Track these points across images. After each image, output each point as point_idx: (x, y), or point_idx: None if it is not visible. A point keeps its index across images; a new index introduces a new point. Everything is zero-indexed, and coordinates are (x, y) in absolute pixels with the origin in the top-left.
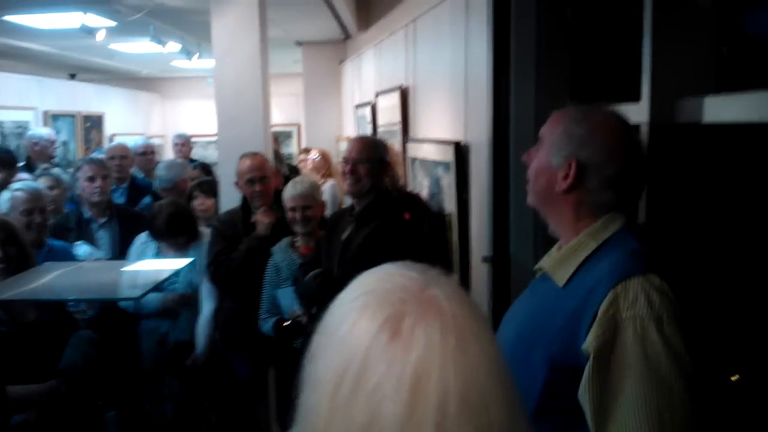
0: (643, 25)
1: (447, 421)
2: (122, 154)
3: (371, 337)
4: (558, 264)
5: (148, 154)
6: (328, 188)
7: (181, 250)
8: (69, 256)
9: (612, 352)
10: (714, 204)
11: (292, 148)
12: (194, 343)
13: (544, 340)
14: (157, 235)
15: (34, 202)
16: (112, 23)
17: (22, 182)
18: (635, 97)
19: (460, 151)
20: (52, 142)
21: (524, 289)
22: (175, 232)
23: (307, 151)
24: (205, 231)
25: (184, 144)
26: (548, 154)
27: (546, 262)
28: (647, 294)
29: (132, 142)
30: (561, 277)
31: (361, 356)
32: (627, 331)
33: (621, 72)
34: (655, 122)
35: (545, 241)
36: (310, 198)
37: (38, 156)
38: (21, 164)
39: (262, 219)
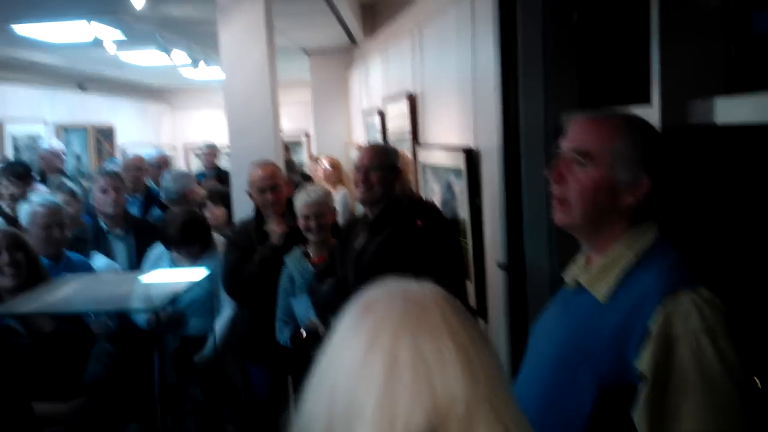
0: (650, 26)
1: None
2: (138, 166)
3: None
4: (596, 278)
5: (162, 165)
6: (339, 197)
7: (194, 259)
8: (87, 269)
9: (668, 370)
10: (727, 204)
11: (302, 156)
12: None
13: (591, 359)
14: (171, 243)
15: (52, 217)
16: (119, 33)
17: (41, 196)
18: (645, 100)
19: (471, 157)
20: (58, 154)
21: (543, 295)
22: (188, 241)
23: (316, 159)
24: (219, 240)
25: (210, 153)
26: (608, 169)
27: (580, 276)
28: (699, 308)
29: (146, 153)
30: (601, 292)
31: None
32: (682, 348)
33: (630, 75)
34: (666, 124)
35: (560, 246)
36: (324, 206)
37: (49, 168)
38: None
39: (275, 228)
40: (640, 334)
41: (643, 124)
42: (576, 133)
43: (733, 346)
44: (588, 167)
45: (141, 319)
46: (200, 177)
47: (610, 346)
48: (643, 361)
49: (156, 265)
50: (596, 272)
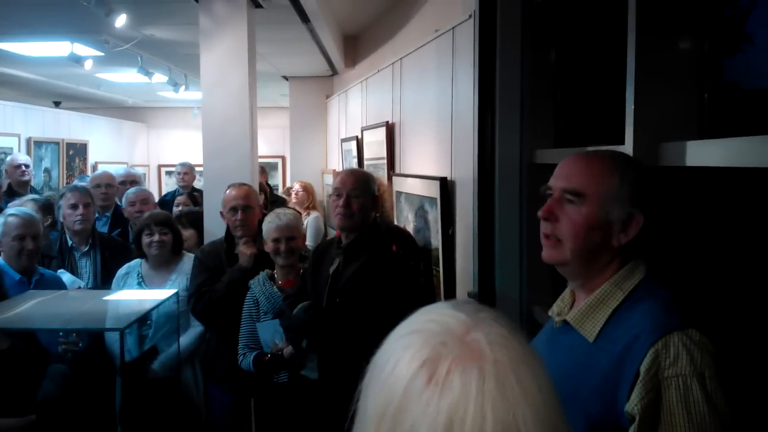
0: (627, 69)
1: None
2: (108, 182)
3: (410, 378)
4: (584, 316)
5: (127, 183)
6: (311, 220)
7: (164, 267)
8: (60, 285)
9: (656, 412)
10: (699, 244)
11: (277, 180)
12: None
13: (580, 400)
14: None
15: (26, 228)
16: (100, 53)
17: (16, 208)
18: (619, 141)
19: (446, 187)
20: (19, 167)
21: (524, 331)
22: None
23: (289, 189)
24: (188, 255)
25: (186, 173)
26: (600, 207)
27: (570, 315)
28: (689, 350)
29: (115, 170)
30: (590, 332)
31: (400, 396)
32: (670, 391)
33: (605, 115)
34: None
35: (531, 277)
36: (295, 229)
37: (14, 182)
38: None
39: (244, 251)
40: (630, 378)
41: (633, 161)
42: (567, 172)
43: (722, 389)
44: (580, 206)
45: (112, 340)
46: (168, 195)
47: (600, 388)
48: (632, 403)
49: (124, 285)
50: (585, 311)
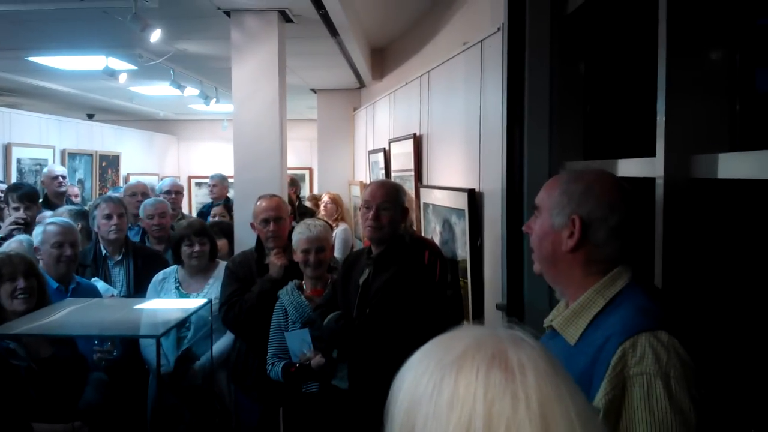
0: (658, 81)
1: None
2: (142, 191)
3: (484, 381)
4: (567, 322)
5: (172, 194)
6: (340, 232)
7: (201, 274)
8: (95, 293)
9: (620, 409)
10: (730, 258)
11: (305, 191)
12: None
13: None
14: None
15: (65, 236)
16: (134, 67)
17: (55, 217)
18: (649, 153)
19: (474, 199)
20: (56, 178)
21: (541, 338)
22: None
23: (318, 199)
24: (223, 263)
25: (215, 185)
26: (550, 217)
27: (555, 320)
28: (655, 350)
29: (160, 181)
30: (571, 336)
31: (482, 406)
32: (634, 388)
33: (635, 127)
34: (669, 177)
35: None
36: (325, 240)
37: (50, 192)
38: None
39: (275, 261)
40: (602, 375)
41: (587, 177)
42: (542, 189)
43: (688, 391)
44: (538, 217)
45: (148, 349)
46: (205, 208)
47: None
48: (597, 398)
49: (161, 292)
50: (568, 316)
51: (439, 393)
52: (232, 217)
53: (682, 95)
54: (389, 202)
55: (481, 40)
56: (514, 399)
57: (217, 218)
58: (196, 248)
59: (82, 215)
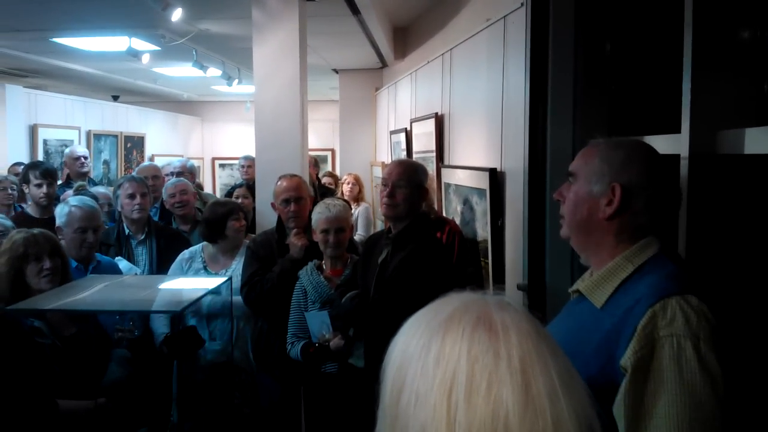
0: (684, 58)
1: (557, 395)
2: (154, 174)
3: (468, 339)
4: (595, 286)
5: (185, 174)
6: (362, 211)
7: (228, 253)
8: (116, 271)
9: (648, 368)
10: (754, 235)
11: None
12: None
13: (582, 359)
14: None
15: (88, 221)
16: (157, 48)
17: (79, 198)
18: (674, 129)
19: (496, 178)
20: (78, 158)
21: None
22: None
23: (336, 178)
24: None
25: (250, 165)
26: (587, 184)
27: (581, 285)
28: (685, 313)
29: (169, 161)
30: (598, 299)
31: (466, 363)
32: (663, 349)
33: (660, 104)
34: (695, 153)
35: (581, 270)
36: (344, 221)
37: (72, 173)
38: (59, 182)
39: (296, 242)
40: (628, 335)
41: (626, 145)
42: (577, 157)
43: (716, 354)
44: (573, 184)
45: (157, 322)
46: (233, 189)
47: (600, 346)
48: (626, 357)
49: (189, 266)
50: (596, 281)
51: (427, 351)
52: (254, 198)
53: (708, 72)
54: (404, 180)
55: (504, 16)
56: (496, 356)
57: (240, 200)
58: (243, 222)
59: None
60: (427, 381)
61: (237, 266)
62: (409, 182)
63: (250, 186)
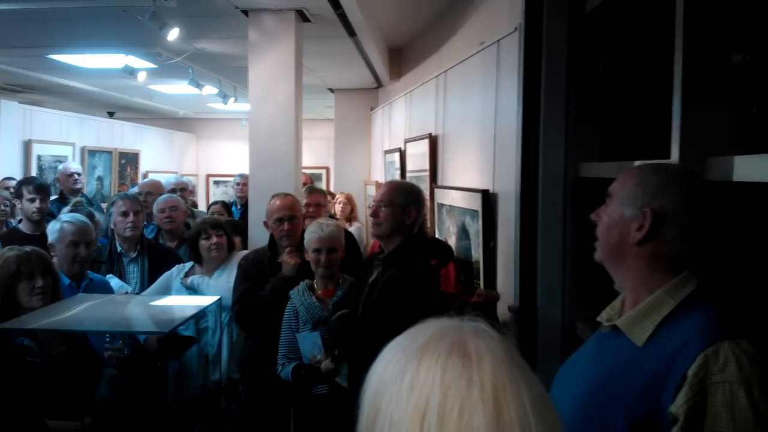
0: (674, 83)
1: (528, 423)
2: (152, 191)
3: (443, 366)
4: (634, 322)
5: (177, 191)
6: (354, 230)
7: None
8: (107, 290)
9: (701, 417)
10: (745, 260)
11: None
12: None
13: (623, 401)
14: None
15: (81, 236)
16: (153, 66)
17: (71, 215)
18: (664, 155)
19: (488, 199)
20: (71, 175)
21: (554, 341)
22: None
23: (331, 194)
24: (237, 254)
25: (245, 183)
26: (621, 207)
27: (617, 319)
28: (737, 358)
29: (165, 179)
30: (639, 336)
31: (439, 389)
32: (716, 396)
33: (650, 128)
34: None
35: (573, 292)
36: (336, 241)
37: (66, 189)
38: (53, 197)
39: (288, 260)
40: (676, 380)
41: (666, 170)
42: (617, 179)
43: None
44: (609, 206)
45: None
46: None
47: (644, 389)
48: (677, 404)
49: (172, 286)
50: (635, 316)
51: (402, 377)
52: (230, 215)
53: (698, 97)
54: (388, 200)
55: (498, 40)
56: (469, 382)
57: (215, 216)
58: (214, 240)
59: (91, 214)
60: (401, 406)
61: (223, 282)
62: (391, 202)
63: (226, 203)
